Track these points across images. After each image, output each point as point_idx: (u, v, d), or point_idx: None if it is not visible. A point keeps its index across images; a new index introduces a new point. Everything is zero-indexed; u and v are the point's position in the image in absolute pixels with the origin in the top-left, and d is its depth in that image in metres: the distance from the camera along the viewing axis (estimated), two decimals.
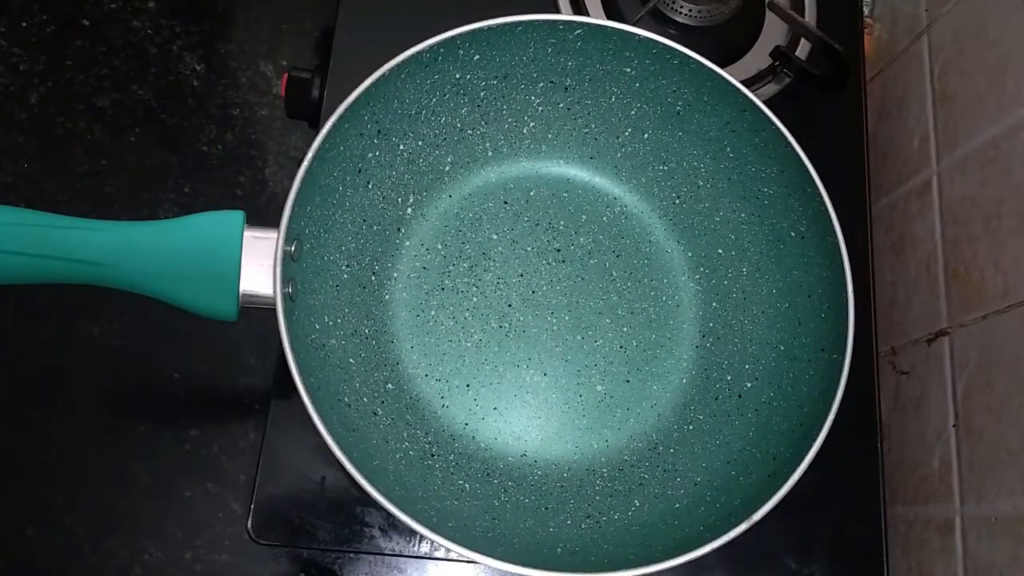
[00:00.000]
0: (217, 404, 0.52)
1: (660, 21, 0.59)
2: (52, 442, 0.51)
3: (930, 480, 0.51)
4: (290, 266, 0.41)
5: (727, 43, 0.60)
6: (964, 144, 0.52)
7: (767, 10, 0.60)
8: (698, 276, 0.53)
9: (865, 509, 0.52)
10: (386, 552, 0.48)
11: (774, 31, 0.61)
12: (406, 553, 0.48)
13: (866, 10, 0.65)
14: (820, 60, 0.58)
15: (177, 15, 0.61)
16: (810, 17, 0.61)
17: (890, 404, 0.56)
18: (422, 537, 0.48)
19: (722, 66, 0.47)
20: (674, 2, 0.59)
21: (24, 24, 0.59)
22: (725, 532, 0.39)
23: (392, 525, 0.48)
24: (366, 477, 0.37)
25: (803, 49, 0.60)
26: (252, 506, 0.48)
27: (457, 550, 0.37)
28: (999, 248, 0.48)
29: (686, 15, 0.59)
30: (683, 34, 0.59)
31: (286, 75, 0.54)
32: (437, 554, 0.48)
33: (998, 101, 0.49)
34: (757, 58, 0.60)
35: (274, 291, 0.40)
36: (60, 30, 0.60)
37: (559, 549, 0.44)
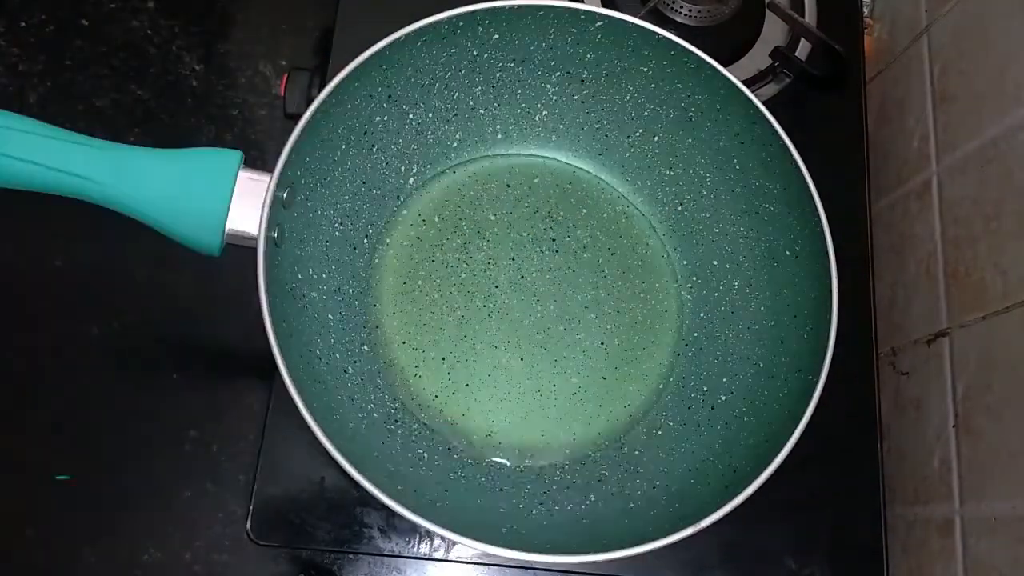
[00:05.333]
0: (216, 405, 0.52)
1: (660, 21, 0.59)
2: (52, 442, 0.51)
3: (930, 480, 0.51)
4: (280, 212, 0.41)
5: (727, 43, 0.60)
6: (964, 144, 0.52)
7: (767, 10, 0.60)
8: (690, 285, 0.53)
9: (865, 509, 0.52)
10: (385, 553, 0.48)
11: (774, 31, 0.61)
12: (405, 554, 0.48)
13: (866, 10, 0.65)
14: (820, 60, 0.58)
15: (176, 15, 0.61)
16: (810, 17, 0.61)
17: (890, 404, 0.56)
18: (421, 537, 0.48)
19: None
20: (674, 2, 0.59)
21: (23, 24, 0.59)
22: (672, 533, 0.39)
23: (391, 526, 0.48)
24: (324, 431, 0.37)
25: (803, 49, 0.60)
26: (251, 507, 0.48)
27: (401, 511, 0.37)
28: (999, 249, 0.48)
29: (686, 15, 0.59)
30: (683, 34, 0.58)
31: (286, 75, 0.53)
32: (436, 555, 0.48)
33: (998, 101, 0.49)
34: (757, 58, 0.60)
35: (259, 231, 0.40)
36: (59, 30, 0.60)
37: (505, 529, 0.44)
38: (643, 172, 0.53)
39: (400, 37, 0.44)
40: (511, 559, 0.38)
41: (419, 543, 0.48)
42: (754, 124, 0.47)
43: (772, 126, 0.46)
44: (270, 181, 0.40)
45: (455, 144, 0.52)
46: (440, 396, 0.49)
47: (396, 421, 0.47)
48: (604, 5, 0.59)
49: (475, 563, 0.49)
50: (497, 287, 0.51)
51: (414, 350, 0.50)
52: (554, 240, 0.53)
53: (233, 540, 0.49)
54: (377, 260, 0.51)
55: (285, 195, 0.42)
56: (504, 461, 0.48)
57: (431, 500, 0.44)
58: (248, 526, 0.48)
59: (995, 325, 0.47)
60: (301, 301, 0.45)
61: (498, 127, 0.53)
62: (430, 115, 0.50)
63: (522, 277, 0.52)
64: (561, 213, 0.53)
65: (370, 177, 0.49)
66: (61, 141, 0.40)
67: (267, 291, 0.39)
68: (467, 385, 0.49)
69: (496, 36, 0.47)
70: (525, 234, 0.52)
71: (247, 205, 0.40)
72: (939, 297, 0.53)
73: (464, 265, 0.51)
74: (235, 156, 0.41)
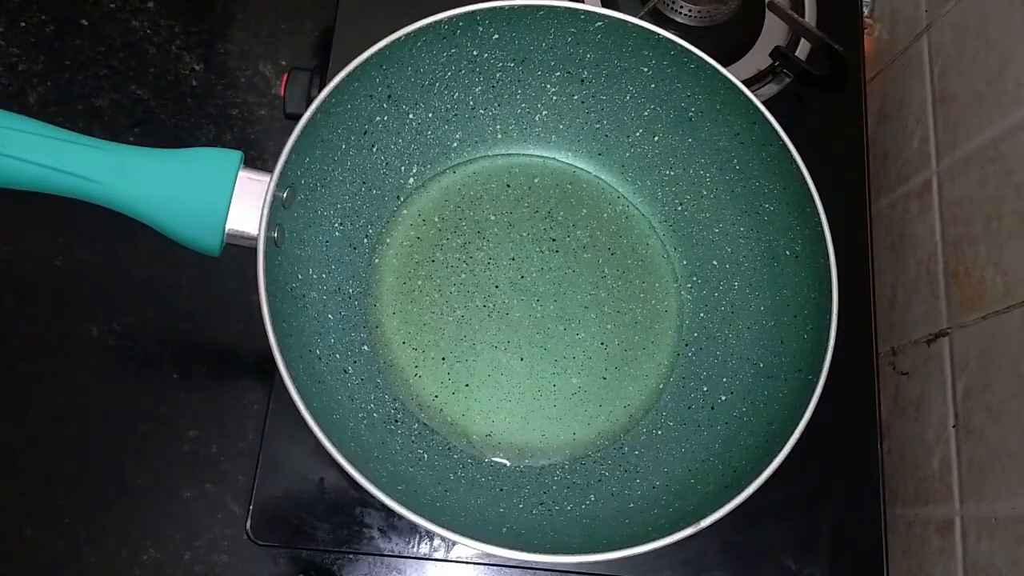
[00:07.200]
0: (216, 405, 0.52)
1: (660, 21, 0.59)
2: (52, 442, 0.51)
3: (930, 480, 0.51)
4: (280, 212, 0.41)
5: (727, 43, 0.60)
6: (964, 144, 0.52)
7: (767, 10, 0.60)
8: (690, 285, 0.53)
9: (865, 509, 0.52)
10: (385, 553, 0.48)
11: (774, 31, 0.61)
12: (405, 554, 0.48)
13: (866, 10, 0.65)
14: (820, 60, 0.58)
15: (176, 15, 0.61)
16: (810, 17, 0.61)
17: (890, 405, 0.56)
18: (421, 537, 0.48)
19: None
20: (674, 2, 0.59)
21: (23, 24, 0.59)
22: (672, 533, 0.39)
23: (391, 526, 0.48)
24: (324, 431, 0.37)
25: (803, 49, 0.60)
26: (251, 507, 0.48)
27: (401, 511, 0.37)
28: (999, 248, 0.48)
29: (686, 15, 0.59)
30: (683, 34, 0.58)
31: (286, 75, 0.54)
32: (436, 555, 0.48)
33: (998, 101, 0.49)
34: (757, 58, 0.60)
35: (259, 231, 0.40)
36: (59, 30, 0.60)
37: (504, 529, 0.44)
38: (643, 172, 0.53)
39: (400, 37, 0.44)
40: (511, 559, 0.38)
41: (419, 543, 0.48)
42: (754, 124, 0.47)
43: (772, 126, 0.46)
44: (270, 181, 0.40)
45: (455, 144, 0.52)
46: (440, 396, 0.49)
47: (396, 421, 0.47)
48: (604, 5, 0.59)
49: (475, 563, 0.49)
50: (497, 287, 0.51)
51: (414, 350, 0.50)
52: (554, 240, 0.53)
53: (233, 540, 0.49)
54: (377, 260, 0.51)
55: (285, 195, 0.42)
56: (504, 461, 0.48)
57: (431, 500, 0.44)
58: (248, 526, 0.48)
59: (995, 325, 0.47)
60: (301, 301, 0.45)
61: (498, 127, 0.53)
62: (430, 115, 0.50)
63: (522, 277, 0.52)
64: (561, 213, 0.53)
65: (370, 177, 0.49)
66: (61, 141, 0.40)
67: (267, 291, 0.39)
68: (467, 385, 0.49)
69: (496, 36, 0.47)
70: (525, 234, 0.53)
71: (247, 205, 0.40)
72: (939, 297, 0.53)
73: (464, 265, 0.52)
74: (235, 156, 0.41)
